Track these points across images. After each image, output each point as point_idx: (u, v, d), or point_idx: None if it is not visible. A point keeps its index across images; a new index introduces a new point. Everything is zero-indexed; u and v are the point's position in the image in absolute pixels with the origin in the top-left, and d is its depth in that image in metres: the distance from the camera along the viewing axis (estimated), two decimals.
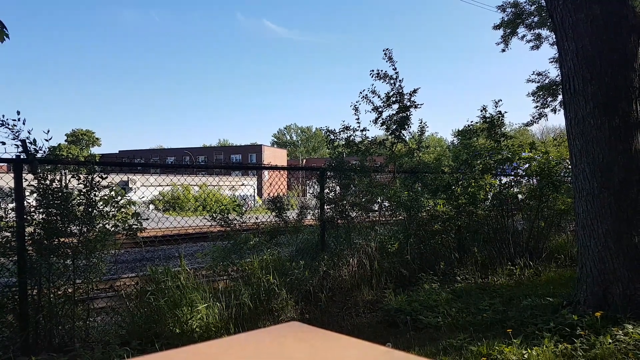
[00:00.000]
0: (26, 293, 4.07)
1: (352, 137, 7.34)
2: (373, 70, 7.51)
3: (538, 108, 19.76)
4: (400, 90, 7.53)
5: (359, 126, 7.40)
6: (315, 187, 6.84)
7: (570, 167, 5.29)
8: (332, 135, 7.32)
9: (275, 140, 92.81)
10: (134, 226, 4.71)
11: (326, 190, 6.55)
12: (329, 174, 6.76)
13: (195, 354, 0.69)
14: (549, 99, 19.46)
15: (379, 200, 7.10)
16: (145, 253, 7.86)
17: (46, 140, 4.17)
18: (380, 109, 7.61)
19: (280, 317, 4.98)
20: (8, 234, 4.00)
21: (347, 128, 7.37)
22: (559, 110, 19.19)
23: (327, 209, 6.47)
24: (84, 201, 4.32)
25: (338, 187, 6.71)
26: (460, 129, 8.84)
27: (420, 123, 7.98)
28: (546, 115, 19.68)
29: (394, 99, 7.56)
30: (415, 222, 6.95)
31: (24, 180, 4.08)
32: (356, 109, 7.42)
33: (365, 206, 6.68)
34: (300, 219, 6.27)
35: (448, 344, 4.14)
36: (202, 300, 4.66)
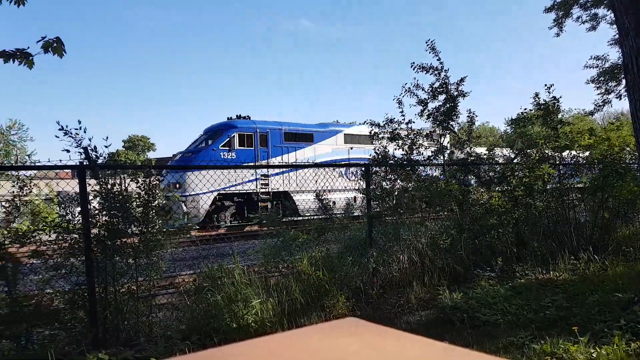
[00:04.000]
0: (94, 291, 4.34)
1: (397, 130, 7.26)
2: (414, 63, 7.40)
3: (601, 95, 18.66)
4: (446, 81, 7.37)
5: (404, 119, 7.30)
6: (361, 182, 6.82)
7: (637, 152, 4.97)
8: (376, 129, 7.27)
9: None
10: (187, 225, 4.92)
11: (372, 186, 6.51)
12: (374, 169, 6.72)
13: (256, 348, 0.72)
14: (612, 84, 18.31)
15: (428, 194, 6.99)
16: (201, 251, 8.16)
17: (105, 147, 4.45)
18: (425, 101, 7.47)
19: (332, 313, 5.03)
20: (76, 236, 4.29)
21: (391, 121, 7.29)
22: (624, 95, 18.07)
23: (374, 204, 6.43)
24: (142, 203, 4.55)
25: (384, 182, 6.65)
26: (513, 117, 8.53)
27: (469, 113, 7.76)
28: (610, 101, 18.55)
29: (439, 90, 7.41)
30: (469, 216, 6.77)
31: (87, 185, 4.36)
32: (400, 102, 7.33)
33: (413, 201, 6.59)
34: (347, 216, 6.29)
35: (508, 342, 4.03)
36: (255, 296, 4.79)
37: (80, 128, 4.34)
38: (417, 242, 6.14)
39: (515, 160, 7.70)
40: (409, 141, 7.20)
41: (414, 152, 7.05)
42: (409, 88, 7.35)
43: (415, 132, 7.41)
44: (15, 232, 4.28)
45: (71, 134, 4.28)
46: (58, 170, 5.03)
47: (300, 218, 15.65)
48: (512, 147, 7.82)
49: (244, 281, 4.90)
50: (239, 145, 16.13)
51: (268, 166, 16.59)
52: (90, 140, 4.34)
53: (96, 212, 4.40)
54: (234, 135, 16.19)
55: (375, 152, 6.98)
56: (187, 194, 13.56)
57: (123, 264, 4.45)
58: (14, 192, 4.43)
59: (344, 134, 18.74)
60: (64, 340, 4.35)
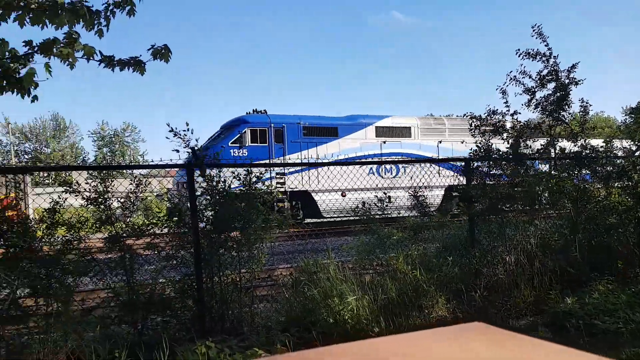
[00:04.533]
0: (202, 281, 4.68)
1: (500, 122, 6.84)
2: (520, 50, 6.90)
3: None
4: (556, 68, 6.79)
5: (508, 110, 6.85)
6: (460, 178, 6.55)
7: None
8: (477, 122, 6.91)
9: None
10: (285, 221, 5.10)
11: (473, 182, 6.21)
12: (475, 164, 6.40)
13: (381, 347, 0.70)
14: None
15: (537, 191, 6.49)
16: (297, 246, 8.43)
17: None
18: (533, 90, 6.95)
19: (431, 315, 4.89)
20: (185, 229, 4.65)
21: (494, 112, 6.88)
22: None
23: (476, 202, 6.13)
24: (244, 199, 4.81)
25: (487, 179, 6.30)
26: (634, 106, 7.62)
27: (582, 102, 7.07)
28: None
29: (548, 78, 6.85)
30: (584, 215, 6.18)
31: (195, 182, 4.71)
32: (504, 92, 6.88)
33: (520, 198, 6.16)
34: (445, 214, 6.07)
35: (633, 353, 3.63)
36: (350, 292, 4.82)
37: (187, 129, 4.70)
38: (525, 242, 5.74)
39: (637, 153, 6.88)
40: (515, 133, 6.75)
41: (521, 145, 6.59)
42: (514, 76, 6.87)
43: (522, 123, 6.93)
44: (132, 225, 4.75)
45: (180, 135, 4.65)
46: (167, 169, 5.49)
47: (324, 219, 15.10)
48: (634, 139, 6.98)
49: (339, 277, 4.95)
50: (252, 142, 15.11)
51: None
52: (197, 140, 4.70)
53: (203, 207, 4.74)
54: (245, 131, 15.19)
55: (477, 146, 6.63)
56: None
57: (227, 257, 4.74)
58: (130, 188, 4.92)
59: (375, 127, 16.95)
60: (175, 327, 4.74)
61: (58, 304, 4.60)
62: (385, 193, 9.85)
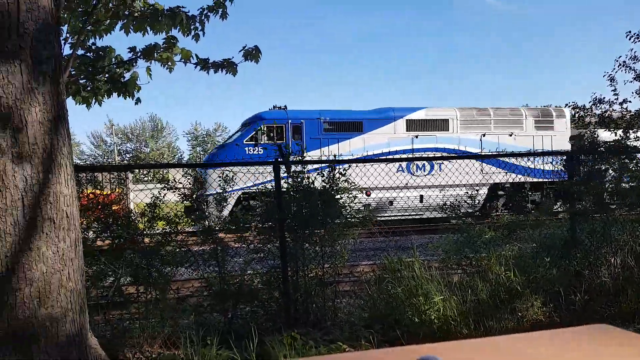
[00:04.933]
0: (287, 274, 4.83)
1: (607, 112, 6.27)
2: (630, 32, 6.27)
3: None
4: None
5: (617, 99, 6.26)
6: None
7: None
8: (580, 112, 6.38)
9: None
10: (367, 217, 5.10)
11: (575, 178, 5.75)
12: (579, 157, 5.92)
13: (497, 345, 0.68)
14: None
15: None
16: (379, 243, 8.38)
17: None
18: None
19: (525, 318, 4.63)
20: (271, 224, 4.84)
21: (600, 101, 6.32)
22: None
23: (579, 199, 5.67)
24: (327, 195, 4.89)
25: (591, 173, 5.80)
26: None
27: None
28: None
29: None
30: None
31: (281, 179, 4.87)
32: (612, 80, 6.31)
33: (630, 195, 5.59)
34: (545, 212, 5.68)
35: None
36: (437, 292, 4.69)
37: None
38: (634, 243, 5.22)
39: None
40: (624, 124, 6.16)
41: (631, 136, 5.99)
42: (624, 62, 6.28)
43: (632, 113, 6.30)
44: (224, 219, 5.03)
45: (265, 131, 4.84)
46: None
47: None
48: None
49: (425, 276, 4.85)
50: (268, 139, 14.38)
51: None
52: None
53: (288, 203, 4.90)
54: (260, 128, 14.57)
55: (581, 137, 6.11)
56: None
57: (311, 251, 4.86)
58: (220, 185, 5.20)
59: (406, 120, 15.82)
60: (262, 317, 4.94)
61: (156, 292, 4.99)
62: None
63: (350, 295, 5.45)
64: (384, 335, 4.32)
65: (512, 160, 13.53)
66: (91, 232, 4.84)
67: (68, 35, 3.96)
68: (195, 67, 4.28)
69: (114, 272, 4.85)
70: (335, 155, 13.94)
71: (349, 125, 15.53)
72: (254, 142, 14.39)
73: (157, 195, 4.96)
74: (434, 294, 4.61)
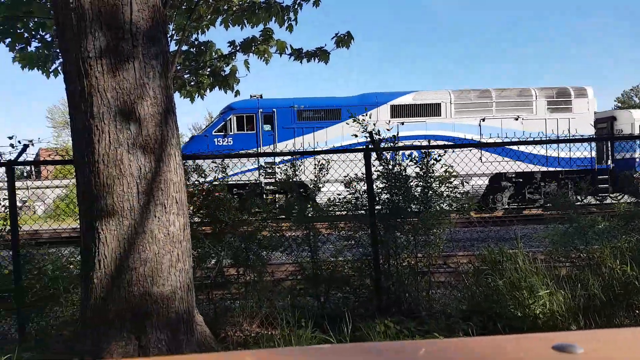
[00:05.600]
0: (379, 262, 4.83)
1: None
2: None
3: None
4: None
5: None
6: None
7: None
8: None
9: (619, 105, 77.00)
10: (465, 206, 4.90)
11: None
12: None
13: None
14: None
15: None
16: (478, 233, 8.05)
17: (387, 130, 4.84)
18: None
19: None
20: (362, 212, 4.85)
21: None
22: None
23: None
24: (421, 183, 4.79)
25: None
26: None
27: None
28: None
29: None
30: None
31: (372, 166, 4.86)
32: None
33: None
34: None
35: None
36: (542, 285, 4.41)
37: (366, 114, 4.86)
38: None
39: None
40: None
41: None
42: None
43: None
44: (317, 206, 5.15)
45: (359, 120, 4.84)
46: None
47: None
48: None
49: (529, 268, 4.57)
50: (238, 129, 14.14)
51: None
52: (375, 125, 4.82)
53: (379, 190, 4.88)
54: (230, 118, 14.26)
55: None
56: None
57: (403, 240, 4.80)
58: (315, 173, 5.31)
59: (390, 106, 14.64)
60: (353, 303, 5.00)
61: (254, 274, 5.27)
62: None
63: (445, 286, 5.31)
64: (483, 329, 4.15)
65: (521, 147, 12.08)
66: (196, 218, 5.22)
67: (173, 32, 4.29)
68: (290, 57, 4.39)
69: (216, 254, 5.20)
70: (302, 145, 13.40)
71: (326, 113, 14.67)
72: (223, 133, 14.14)
73: (256, 181, 5.21)
74: (539, 288, 4.34)
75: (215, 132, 14.34)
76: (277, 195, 14.74)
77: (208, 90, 4.67)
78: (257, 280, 5.24)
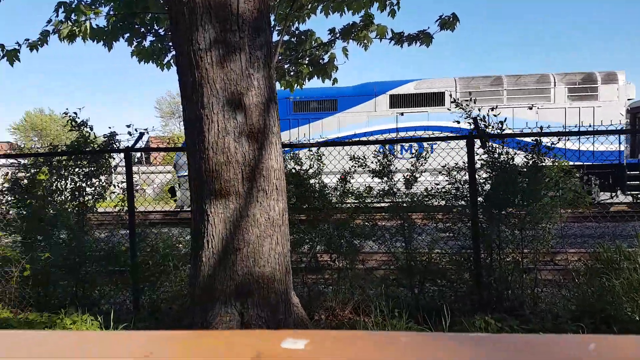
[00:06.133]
0: (479, 256, 4.65)
1: None
2: None
3: None
4: None
5: None
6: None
7: None
8: None
9: None
10: (581, 199, 4.55)
11: None
12: None
13: None
14: None
15: None
16: (585, 229, 7.44)
17: (494, 115, 4.59)
18: None
19: None
20: (463, 203, 4.68)
21: None
22: None
23: None
24: (529, 173, 4.50)
25: None
26: None
27: None
28: None
29: None
30: None
31: (475, 154, 4.65)
32: None
33: None
34: None
35: None
36: None
37: (470, 99, 4.65)
38: None
39: None
40: None
41: None
42: None
43: None
44: (412, 197, 5.07)
45: (461, 105, 4.65)
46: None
47: None
48: None
49: None
50: None
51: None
52: (479, 110, 4.59)
53: (482, 181, 4.66)
54: None
55: None
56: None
57: (508, 234, 4.56)
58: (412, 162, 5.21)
59: (389, 96, 13.65)
60: (450, 297, 4.88)
61: (346, 261, 5.35)
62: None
63: (552, 284, 4.97)
64: (594, 331, 3.86)
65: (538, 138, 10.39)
66: (292, 204, 5.39)
67: (275, 22, 4.42)
68: (390, 41, 4.33)
69: (310, 240, 5.35)
70: (297, 137, 13.02)
71: (321, 104, 14.23)
72: None
73: (348, 171, 5.25)
74: None
75: None
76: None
77: (306, 80, 4.77)
78: (349, 267, 5.32)
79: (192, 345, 0.52)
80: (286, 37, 4.50)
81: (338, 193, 5.39)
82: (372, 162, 5.11)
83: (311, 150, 5.42)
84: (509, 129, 4.66)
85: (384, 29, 4.15)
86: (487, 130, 4.55)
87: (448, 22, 4.12)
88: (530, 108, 14.05)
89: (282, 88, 5.14)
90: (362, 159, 5.21)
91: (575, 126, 13.10)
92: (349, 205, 5.41)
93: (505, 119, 4.70)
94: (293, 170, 5.41)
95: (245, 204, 3.59)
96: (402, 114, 14.26)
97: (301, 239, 5.38)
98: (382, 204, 5.59)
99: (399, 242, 5.31)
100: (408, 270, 5.04)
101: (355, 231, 5.33)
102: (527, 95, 14.18)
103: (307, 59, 4.54)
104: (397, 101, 14.35)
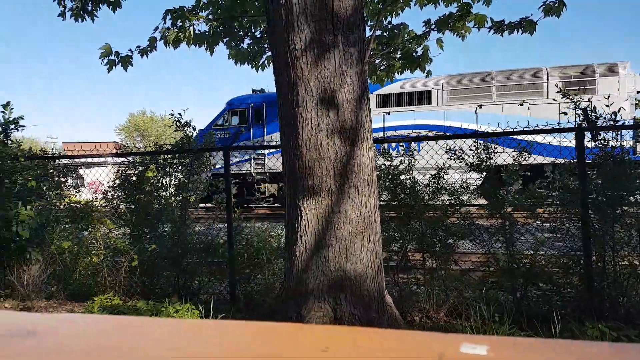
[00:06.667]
0: (590, 259, 4.30)
1: None
2: None
3: None
4: None
5: None
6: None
7: None
8: None
9: None
10: None
11: None
12: None
13: None
14: None
15: None
16: None
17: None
18: None
19: None
20: (572, 201, 4.34)
21: None
22: None
23: None
24: None
25: None
26: None
27: None
28: None
29: None
30: None
31: (584, 147, 4.30)
32: None
33: None
34: None
35: None
36: None
37: (579, 91, 4.32)
38: None
39: None
40: None
41: None
42: None
43: None
44: (514, 194, 4.80)
45: (569, 94, 4.32)
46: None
47: None
48: None
49: None
50: (234, 123, 15.12)
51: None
52: (589, 100, 4.25)
53: (594, 177, 4.31)
54: (227, 113, 15.31)
55: None
56: None
57: (624, 234, 4.17)
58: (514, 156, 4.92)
59: (376, 95, 14.01)
60: (556, 302, 4.56)
61: (439, 262, 5.20)
62: None
63: None
64: None
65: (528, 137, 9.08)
66: (382, 201, 5.36)
67: (367, 17, 4.41)
68: (489, 31, 4.12)
69: (401, 238, 5.28)
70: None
71: None
72: (222, 127, 15.17)
73: (442, 166, 5.10)
74: None
75: (214, 126, 15.40)
76: (267, 185, 15.37)
77: (397, 73, 4.71)
78: (442, 267, 5.17)
79: (365, 342, 0.53)
80: (378, 32, 4.48)
81: (431, 189, 5.26)
82: (468, 156, 4.92)
83: (402, 145, 5.36)
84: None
85: (484, 17, 3.96)
86: (597, 122, 4.17)
87: (553, 8, 3.83)
88: (521, 104, 13.73)
89: (373, 83, 5.14)
90: (460, 152, 5.04)
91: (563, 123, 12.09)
92: (442, 202, 5.25)
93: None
94: (383, 166, 5.37)
95: (337, 200, 3.64)
96: (388, 113, 14.55)
97: (391, 236, 5.32)
98: (478, 202, 5.37)
99: (498, 243, 5.07)
100: (509, 272, 4.79)
101: (450, 229, 5.17)
102: (518, 90, 13.85)
103: (399, 52, 4.48)
104: (384, 100, 14.64)
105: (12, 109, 6.33)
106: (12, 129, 6.42)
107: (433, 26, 4.14)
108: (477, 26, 4.02)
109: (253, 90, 17.59)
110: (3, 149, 6.10)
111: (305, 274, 3.74)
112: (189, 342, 0.51)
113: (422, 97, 14.59)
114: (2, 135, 6.39)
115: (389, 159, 5.37)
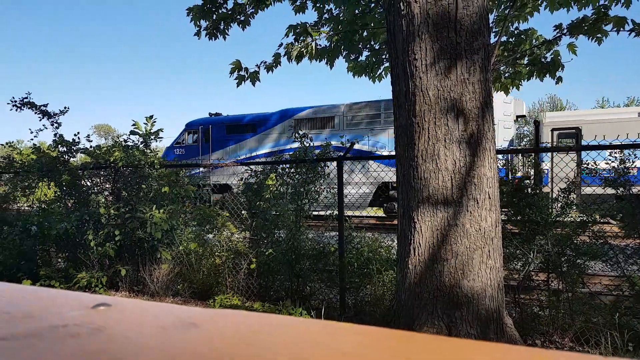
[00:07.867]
0: None
1: None
2: None
3: None
4: None
5: None
6: None
7: None
8: None
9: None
10: None
11: None
12: None
13: None
14: None
15: None
16: None
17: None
18: None
19: None
20: None
21: None
22: None
23: None
24: None
25: None
26: None
27: None
28: None
29: None
30: None
31: None
32: None
33: None
34: None
35: None
36: None
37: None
38: None
39: None
40: None
41: None
42: None
43: None
44: None
45: None
46: None
47: None
48: None
49: None
50: (189, 142, 17.75)
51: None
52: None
53: None
54: (184, 133, 17.85)
55: None
56: None
57: None
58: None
59: (295, 120, 16.25)
60: None
61: (566, 283, 4.80)
62: None
63: None
64: None
65: None
66: (503, 215, 5.10)
67: (492, 24, 4.24)
68: (630, 34, 3.72)
69: (524, 255, 4.97)
70: (229, 154, 16.75)
71: (244, 127, 17.20)
72: (179, 145, 17.77)
73: (575, 181, 4.73)
74: None
75: (175, 144, 18.10)
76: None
77: (524, 81, 4.44)
78: (569, 289, 4.77)
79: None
80: (504, 38, 4.28)
81: (559, 205, 4.89)
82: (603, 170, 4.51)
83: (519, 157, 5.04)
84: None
85: (623, 20, 3.57)
86: None
87: None
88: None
89: (497, 91, 4.90)
90: (594, 164, 4.63)
91: None
92: (572, 218, 4.86)
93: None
94: (505, 179, 5.12)
95: (454, 213, 3.55)
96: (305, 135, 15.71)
97: (512, 253, 5.04)
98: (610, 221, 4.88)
99: (634, 265, 4.57)
100: None
101: (579, 249, 4.76)
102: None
103: (527, 58, 4.23)
104: (301, 124, 16.62)
105: (154, 121, 7.14)
106: (152, 139, 7.23)
107: (565, 30, 3.84)
108: (615, 29, 3.64)
109: (210, 114, 19.65)
110: (143, 158, 6.89)
111: (418, 287, 3.70)
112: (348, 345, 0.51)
113: (328, 122, 16.70)
114: (142, 145, 7.23)
115: (513, 170, 5.11)
